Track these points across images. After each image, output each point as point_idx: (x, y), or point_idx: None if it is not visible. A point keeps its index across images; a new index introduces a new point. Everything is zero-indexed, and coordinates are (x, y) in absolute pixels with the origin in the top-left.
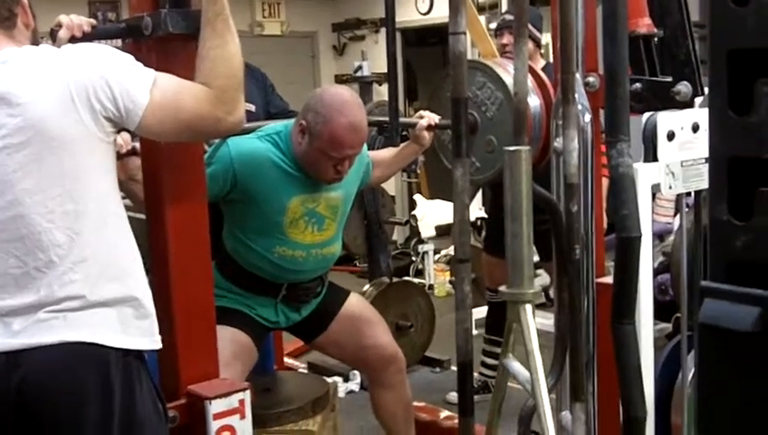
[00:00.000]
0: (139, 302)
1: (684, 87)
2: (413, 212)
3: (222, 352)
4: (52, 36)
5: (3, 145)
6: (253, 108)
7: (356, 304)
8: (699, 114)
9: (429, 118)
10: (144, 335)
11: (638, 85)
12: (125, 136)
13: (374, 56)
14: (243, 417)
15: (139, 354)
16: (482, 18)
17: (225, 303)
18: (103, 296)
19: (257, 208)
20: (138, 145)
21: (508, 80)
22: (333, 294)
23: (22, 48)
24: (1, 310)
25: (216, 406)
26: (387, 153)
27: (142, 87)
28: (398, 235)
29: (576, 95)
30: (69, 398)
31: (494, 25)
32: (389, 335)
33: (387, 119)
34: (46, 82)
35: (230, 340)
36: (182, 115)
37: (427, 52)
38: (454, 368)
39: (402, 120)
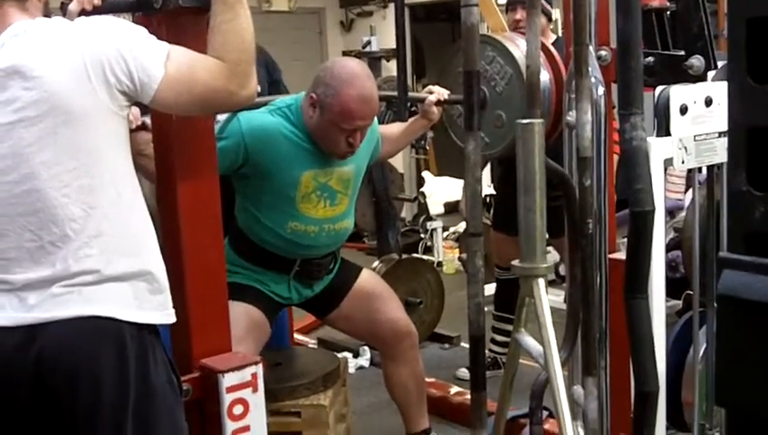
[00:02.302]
0: (154, 276)
1: (697, 61)
2: (421, 189)
3: (235, 328)
4: (63, 10)
5: (18, 118)
6: (258, 88)
7: (369, 279)
8: (712, 88)
9: (438, 93)
10: (158, 309)
11: (650, 59)
12: (134, 111)
13: (382, 32)
14: (255, 390)
15: (153, 328)
16: None
17: (238, 279)
18: (118, 271)
19: (269, 183)
20: (147, 120)
21: (518, 54)
22: (346, 271)
23: (35, 20)
24: (16, 283)
25: (228, 379)
26: (395, 128)
27: (157, 60)
28: (406, 212)
29: (589, 68)
30: (85, 372)
31: (504, 0)
32: (402, 310)
33: (395, 93)
34: (61, 55)
35: (243, 315)
36: (196, 89)
37: (435, 27)
38: (463, 344)
39: (411, 94)
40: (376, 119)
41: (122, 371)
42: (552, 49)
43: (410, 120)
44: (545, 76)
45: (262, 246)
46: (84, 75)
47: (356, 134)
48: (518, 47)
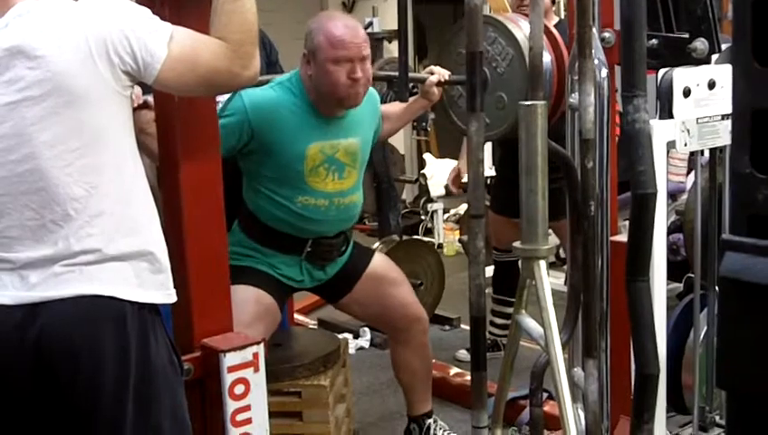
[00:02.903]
0: (155, 256)
1: (701, 43)
2: (423, 171)
3: (245, 313)
4: None
5: (22, 98)
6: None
7: (381, 263)
8: (715, 71)
9: (439, 73)
10: (159, 289)
11: (654, 41)
12: (137, 89)
13: (384, 13)
14: (257, 370)
15: (154, 308)
16: None
17: (249, 263)
18: (119, 250)
19: (276, 159)
20: (149, 98)
21: (519, 35)
22: (359, 255)
23: (39, 0)
24: (17, 262)
25: (230, 359)
26: (396, 107)
27: (160, 40)
28: (407, 194)
29: (593, 50)
30: (86, 350)
31: None
32: (413, 295)
33: (396, 73)
34: (64, 35)
35: (254, 301)
36: (199, 69)
37: (437, 9)
38: (463, 326)
39: (412, 74)
40: (377, 95)
41: (123, 349)
42: (555, 31)
43: (411, 99)
44: (547, 58)
45: (273, 226)
46: (88, 55)
47: (354, 65)
48: (520, 28)
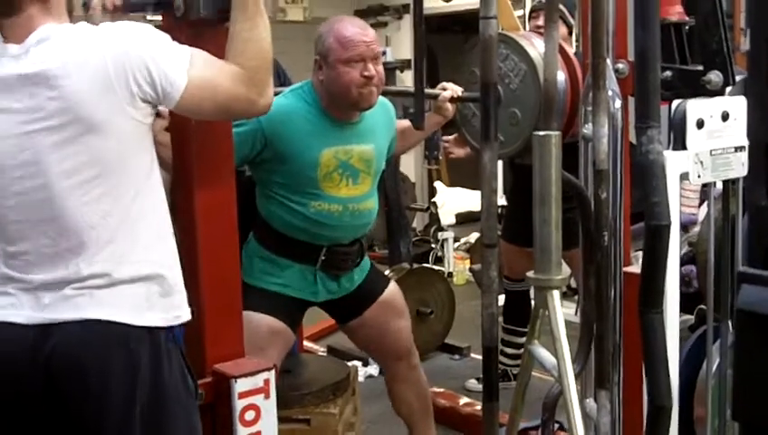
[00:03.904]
0: (165, 279)
1: (715, 76)
2: (433, 199)
3: (258, 340)
4: (86, 6)
5: (41, 127)
6: None
7: (395, 294)
8: (729, 103)
9: (452, 90)
10: (169, 311)
11: (668, 73)
12: None
13: (397, 43)
14: (267, 396)
15: (168, 330)
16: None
17: (263, 284)
18: (129, 274)
19: (290, 165)
20: (161, 107)
21: (533, 52)
22: (375, 278)
23: (60, 26)
24: (32, 283)
25: (241, 385)
26: (409, 123)
27: (180, 68)
28: (417, 222)
29: (607, 81)
30: (94, 373)
31: (519, 13)
32: (409, 331)
33: (411, 89)
34: (85, 64)
35: (267, 327)
36: (219, 97)
37: (449, 38)
38: (473, 356)
39: (425, 90)
40: (393, 108)
41: (132, 373)
42: (569, 48)
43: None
44: (561, 76)
45: (286, 233)
46: (108, 85)
47: (366, 64)
48: (532, 45)
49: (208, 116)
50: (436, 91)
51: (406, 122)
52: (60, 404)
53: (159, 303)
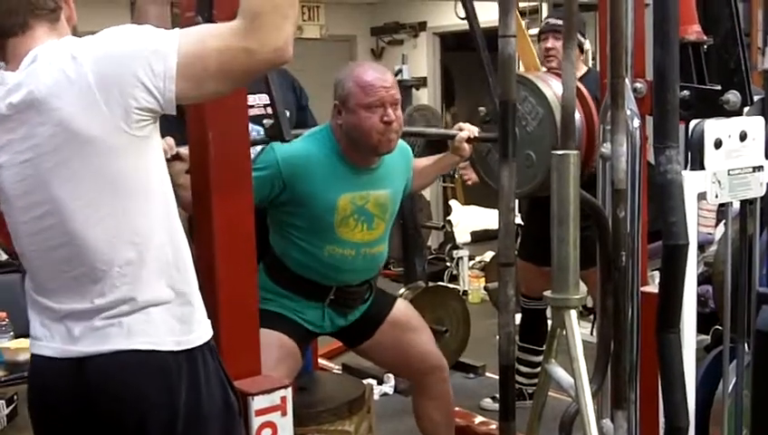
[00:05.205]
0: (189, 296)
1: (733, 96)
2: (448, 217)
3: (268, 357)
4: None
5: (35, 155)
6: (288, 113)
7: (404, 310)
8: (747, 122)
9: (469, 130)
10: (202, 326)
11: (685, 93)
12: (169, 141)
13: (412, 60)
14: (284, 414)
15: (204, 347)
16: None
17: (272, 307)
18: (153, 296)
19: (307, 209)
20: (182, 150)
21: (549, 94)
22: (380, 301)
23: (44, 45)
24: (60, 312)
25: (258, 402)
26: (425, 162)
27: (168, 58)
28: (432, 240)
29: (625, 100)
30: (131, 407)
31: (534, 31)
32: (434, 343)
33: (428, 130)
34: (69, 84)
35: (277, 345)
36: (209, 62)
37: (465, 56)
38: (488, 374)
39: (442, 130)
40: (410, 150)
41: (169, 403)
42: (583, 88)
43: (440, 155)
44: (576, 116)
45: (298, 272)
46: (94, 102)
47: (386, 109)
48: (550, 87)
49: (210, 89)
50: (452, 131)
51: (422, 160)
52: (100, 431)
53: (191, 321)
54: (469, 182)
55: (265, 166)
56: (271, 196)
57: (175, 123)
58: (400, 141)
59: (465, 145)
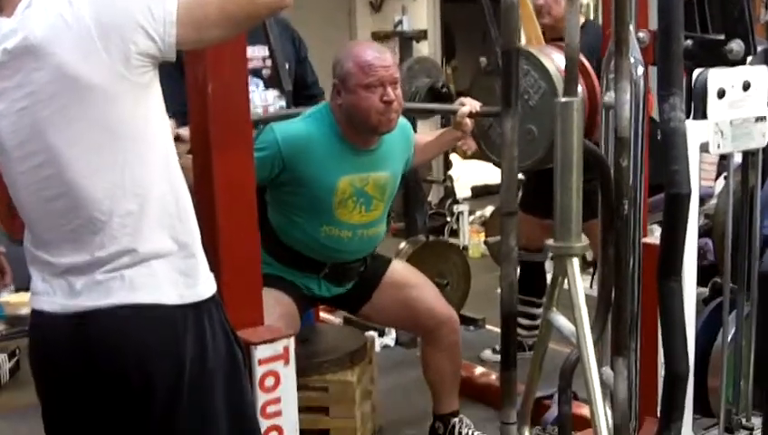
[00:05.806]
0: (192, 246)
1: (736, 45)
2: (449, 172)
3: (266, 315)
4: None
5: (32, 102)
6: (287, 65)
7: (400, 270)
8: (750, 72)
9: (471, 105)
10: (208, 279)
11: (689, 42)
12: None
13: (413, 12)
14: (287, 363)
15: (209, 300)
16: None
17: (270, 270)
18: (155, 247)
19: (306, 190)
20: (182, 131)
21: (553, 69)
22: (374, 264)
23: None
24: (60, 266)
25: (261, 351)
26: (426, 138)
27: (167, 4)
28: (433, 195)
29: (629, 48)
30: (135, 360)
31: None
32: (440, 296)
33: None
34: (67, 29)
35: (275, 302)
36: (210, 7)
37: (465, 8)
38: (489, 327)
39: (443, 106)
40: (411, 127)
41: (175, 353)
42: (587, 63)
43: (442, 130)
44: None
45: (293, 247)
46: (93, 47)
47: (386, 88)
48: (552, 61)
49: (216, 35)
50: (454, 106)
51: (424, 137)
52: (104, 390)
53: (196, 274)
54: (468, 151)
55: (265, 146)
56: (271, 176)
57: (176, 87)
58: (401, 119)
59: (468, 120)
